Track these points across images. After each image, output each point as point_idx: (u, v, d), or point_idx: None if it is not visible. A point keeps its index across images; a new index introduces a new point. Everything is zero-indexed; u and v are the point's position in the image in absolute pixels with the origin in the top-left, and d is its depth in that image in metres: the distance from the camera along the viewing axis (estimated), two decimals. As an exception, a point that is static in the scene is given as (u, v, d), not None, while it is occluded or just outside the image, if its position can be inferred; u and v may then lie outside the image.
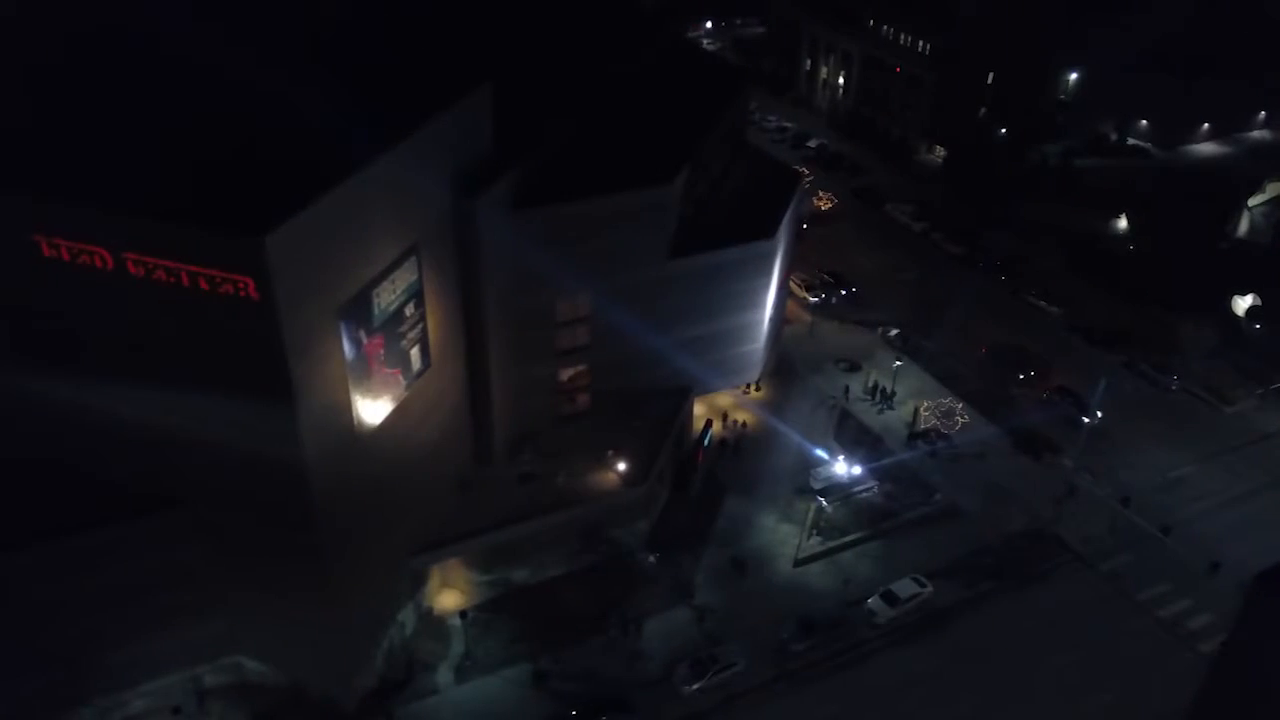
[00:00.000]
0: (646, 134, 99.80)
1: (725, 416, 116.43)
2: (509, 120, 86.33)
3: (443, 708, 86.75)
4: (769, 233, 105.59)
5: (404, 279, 76.71)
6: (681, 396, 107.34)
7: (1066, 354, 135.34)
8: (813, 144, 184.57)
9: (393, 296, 76.40)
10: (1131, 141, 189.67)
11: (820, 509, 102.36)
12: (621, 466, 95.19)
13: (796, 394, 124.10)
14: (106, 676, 79.89)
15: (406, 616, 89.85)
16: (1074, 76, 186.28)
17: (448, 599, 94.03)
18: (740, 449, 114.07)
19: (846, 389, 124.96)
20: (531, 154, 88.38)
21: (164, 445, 74.15)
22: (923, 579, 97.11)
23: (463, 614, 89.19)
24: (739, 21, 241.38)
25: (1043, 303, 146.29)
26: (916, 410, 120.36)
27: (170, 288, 65.63)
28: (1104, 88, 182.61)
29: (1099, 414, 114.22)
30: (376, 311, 74.39)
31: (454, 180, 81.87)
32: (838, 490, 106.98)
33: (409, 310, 78.06)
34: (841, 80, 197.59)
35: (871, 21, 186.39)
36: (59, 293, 68.33)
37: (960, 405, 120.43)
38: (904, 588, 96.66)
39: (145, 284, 66.05)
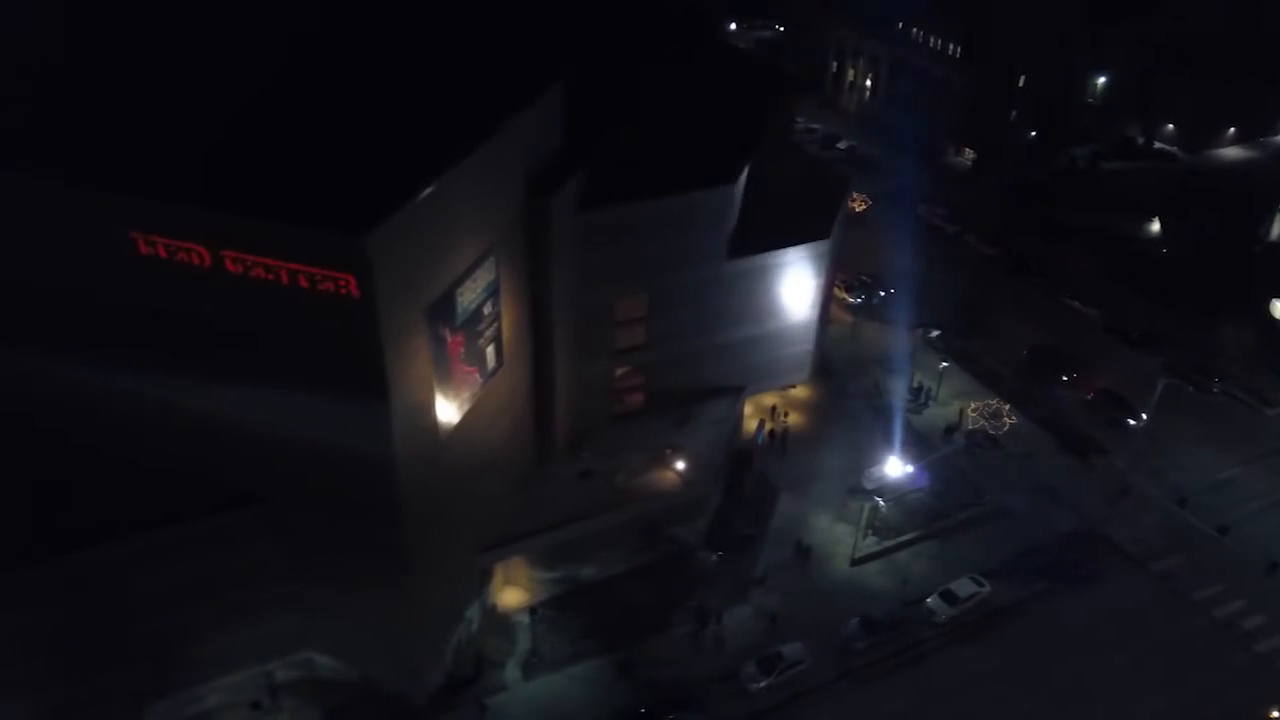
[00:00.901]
0: (698, 134, 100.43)
1: (773, 415, 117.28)
2: (570, 120, 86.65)
3: (511, 704, 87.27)
4: (824, 234, 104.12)
5: (484, 277, 77.27)
6: (733, 396, 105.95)
7: (1105, 356, 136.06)
8: (842, 145, 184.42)
9: (474, 295, 76.80)
10: (1157, 145, 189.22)
11: (874, 508, 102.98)
12: (680, 465, 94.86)
13: (840, 394, 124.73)
14: (183, 671, 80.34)
15: (473, 613, 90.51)
16: (1101, 80, 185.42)
17: (510, 596, 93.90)
18: (786, 449, 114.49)
19: (881, 388, 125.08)
20: (597, 154, 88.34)
21: (248, 442, 74.90)
22: (980, 578, 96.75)
23: (533, 611, 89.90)
24: (759, 23, 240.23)
25: (1078, 305, 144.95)
26: (963, 411, 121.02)
27: (268, 285, 66.08)
28: (1131, 91, 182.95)
29: (1143, 416, 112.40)
30: (459, 310, 74.98)
31: (528, 179, 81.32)
32: (891, 490, 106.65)
33: (486, 309, 78.71)
34: (869, 82, 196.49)
35: (900, 24, 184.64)
36: (152, 289, 69.36)
37: (1007, 406, 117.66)
38: (963, 587, 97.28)
39: (242, 281, 66.55)
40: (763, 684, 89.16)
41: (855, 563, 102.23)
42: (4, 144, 69.62)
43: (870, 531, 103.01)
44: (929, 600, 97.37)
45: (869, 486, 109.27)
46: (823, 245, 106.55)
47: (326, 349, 68.13)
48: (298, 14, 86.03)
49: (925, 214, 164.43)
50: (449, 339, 74.21)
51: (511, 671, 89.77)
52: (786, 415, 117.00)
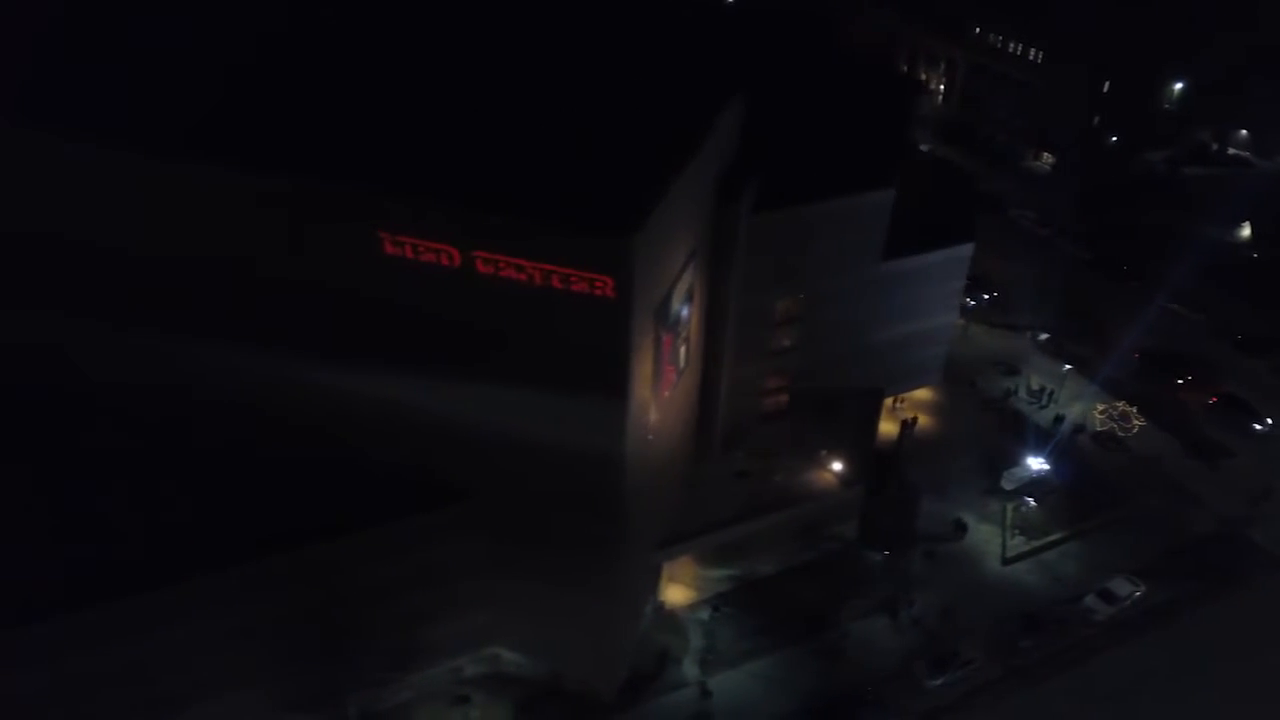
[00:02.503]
0: (845, 138, 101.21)
1: (904, 418, 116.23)
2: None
3: (693, 700, 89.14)
4: (968, 236, 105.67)
5: (686, 280, 79.00)
6: (874, 397, 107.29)
7: (1213, 360, 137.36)
8: (923, 149, 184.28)
9: (680, 297, 77.78)
10: (1231, 151, 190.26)
11: (1021, 508, 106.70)
12: (837, 466, 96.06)
13: (959, 396, 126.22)
14: (387, 664, 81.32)
15: (646, 610, 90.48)
16: (1179, 85, 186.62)
17: (675, 593, 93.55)
18: (916, 450, 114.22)
19: (1011, 390, 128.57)
20: (768, 158, 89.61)
21: (468, 438, 76.15)
22: (1135, 578, 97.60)
23: (714, 608, 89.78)
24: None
25: (1179, 308, 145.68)
26: (1090, 413, 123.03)
27: (517, 286, 67.16)
28: (1207, 97, 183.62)
29: (1269, 421, 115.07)
30: (672, 311, 75.79)
31: (716, 185, 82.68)
32: (1037, 491, 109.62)
33: (685, 311, 79.00)
34: (943, 87, 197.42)
35: (978, 29, 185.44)
36: (391, 289, 70.64)
37: (1134, 409, 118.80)
38: (1120, 586, 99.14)
39: (491, 282, 67.65)
40: (939, 681, 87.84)
41: (1007, 562, 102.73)
42: (248, 144, 70.34)
43: (1017, 531, 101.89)
44: (1087, 599, 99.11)
45: (1008, 487, 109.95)
46: (967, 247, 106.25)
47: (571, 348, 69.43)
48: (501, 25, 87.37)
49: (1016, 218, 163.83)
50: (663, 339, 73.56)
51: (689, 668, 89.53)
52: (915, 417, 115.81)
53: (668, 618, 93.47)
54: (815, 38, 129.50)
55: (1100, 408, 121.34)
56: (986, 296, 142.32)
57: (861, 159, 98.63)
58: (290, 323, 73.70)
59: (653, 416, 77.68)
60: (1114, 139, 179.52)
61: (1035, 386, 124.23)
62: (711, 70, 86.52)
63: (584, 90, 79.89)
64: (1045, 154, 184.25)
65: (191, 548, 71.09)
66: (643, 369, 71.17)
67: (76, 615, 67.38)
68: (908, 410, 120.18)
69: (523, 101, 77.90)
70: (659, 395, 77.84)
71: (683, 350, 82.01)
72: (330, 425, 76.48)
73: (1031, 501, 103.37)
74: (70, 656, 67.82)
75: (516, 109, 77.17)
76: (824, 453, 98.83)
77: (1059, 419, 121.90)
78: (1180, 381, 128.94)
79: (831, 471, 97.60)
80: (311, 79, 79.03)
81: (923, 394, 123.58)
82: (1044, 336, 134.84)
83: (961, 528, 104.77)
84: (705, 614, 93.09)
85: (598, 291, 65.53)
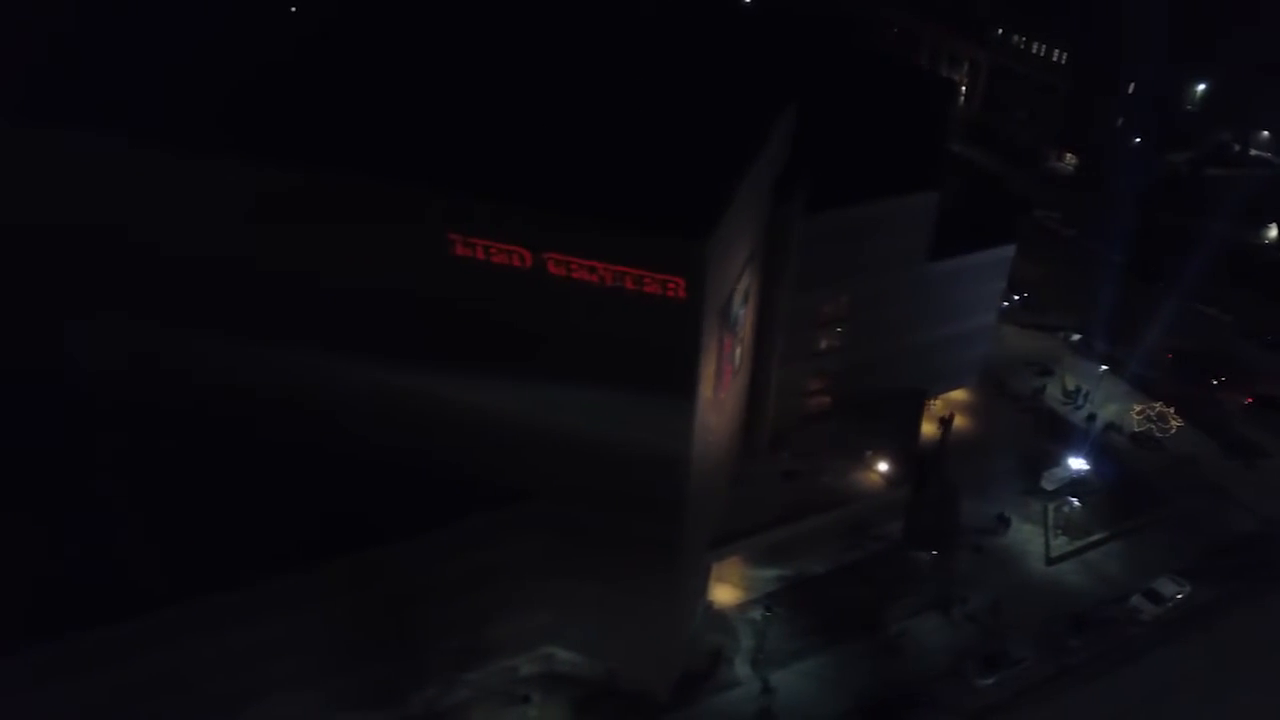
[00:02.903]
0: (888, 141, 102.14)
1: (942, 416, 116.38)
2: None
3: (747, 699, 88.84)
4: (1010, 237, 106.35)
5: (745, 282, 78.93)
6: (916, 397, 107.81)
7: (1243, 360, 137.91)
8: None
9: (740, 299, 77.79)
10: (1253, 152, 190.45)
11: (1063, 508, 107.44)
12: (883, 466, 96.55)
13: (994, 396, 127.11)
14: (446, 662, 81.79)
15: (697, 610, 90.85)
16: (1201, 87, 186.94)
17: (722, 593, 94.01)
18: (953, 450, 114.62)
19: (1039, 389, 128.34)
20: (815, 160, 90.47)
21: (531, 438, 76.45)
22: (1180, 578, 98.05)
23: (767, 608, 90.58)
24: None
25: (1208, 309, 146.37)
26: (1127, 414, 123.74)
27: (587, 287, 67.83)
28: (1229, 98, 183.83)
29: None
30: (733, 312, 75.85)
31: (771, 187, 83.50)
32: (1073, 491, 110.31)
33: (742, 313, 79.29)
34: (964, 88, 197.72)
35: (1001, 30, 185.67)
36: (459, 290, 71.48)
37: (1171, 409, 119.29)
38: (1165, 586, 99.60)
39: (561, 283, 68.25)
40: (990, 681, 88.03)
41: (1051, 562, 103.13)
42: (322, 145, 71.35)
43: (1059, 531, 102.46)
44: (1133, 600, 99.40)
45: (1048, 487, 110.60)
46: (1009, 248, 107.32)
47: (639, 349, 69.97)
48: (559, 33, 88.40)
49: (1042, 219, 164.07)
50: (724, 340, 74.18)
51: (741, 667, 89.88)
52: (951, 414, 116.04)
53: (716, 617, 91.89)
54: (846, 40, 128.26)
55: (1138, 408, 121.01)
56: (1016, 297, 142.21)
57: (905, 161, 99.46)
58: (356, 325, 74.77)
59: (711, 417, 77.07)
60: (1137, 140, 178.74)
61: (1070, 387, 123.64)
62: (760, 74, 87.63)
63: (642, 95, 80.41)
64: (1068, 155, 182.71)
65: (256, 550, 71.89)
66: (708, 370, 71.78)
67: (145, 618, 68.29)
68: (943, 410, 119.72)
69: (583, 105, 78.52)
70: (717, 396, 78.26)
71: (738, 351, 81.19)
72: (393, 426, 77.22)
73: (1076, 502, 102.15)
74: (141, 658, 68.90)
75: (577, 113, 77.72)
76: (870, 453, 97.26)
77: (1095, 419, 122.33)
78: (1214, 382, 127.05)
79: (877, 472, 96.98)
80: (384, 83, 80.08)
81: (957, 394, 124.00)
82: (1076, 337, 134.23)
83: (1005, 522, 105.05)
84: (756, 614, 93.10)
85: (670, 293, 66.23)
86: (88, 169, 71.69)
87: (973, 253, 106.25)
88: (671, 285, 65.46)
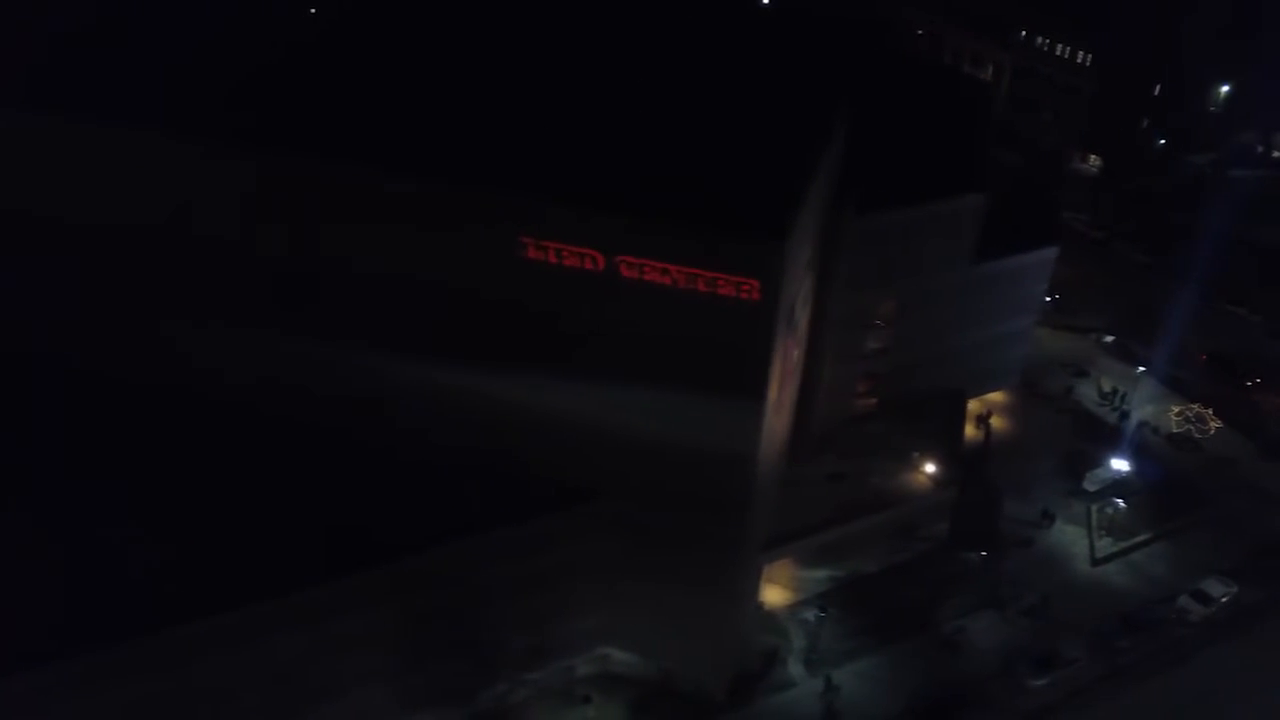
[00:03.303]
0: (929, 144, 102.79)
1: (979, 419, 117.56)
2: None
3: (803, 699, 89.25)
4: (1053, 239, 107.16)
5: (804, 285, 78.49)
6: (959, 398, 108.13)
7: (1271, 360, 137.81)
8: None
9: (801, 301, 77.25)
10: (1276, 154, 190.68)
11: (1106, 509, 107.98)
12: (930, 467, 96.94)
13: (1029, 397, 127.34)
14: (508, 662, 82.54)
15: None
16: (1224, 89, 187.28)
17: (771, 594, 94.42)
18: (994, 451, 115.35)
19: (1070, 389, 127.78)
20: (864, 163, 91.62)
21: (596, 440, 76.87)
22: (1227, 579, 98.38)
23: (820, 608, 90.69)
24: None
25: (1238, 309, 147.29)
26: (1164, 415, 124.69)
27: (661, 289, 68.49)
28: (1252, 100, 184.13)
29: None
30: (795, 314, 75.61)
31: (828, 190, 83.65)
32: (1116, 492, 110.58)
33: (802, 315, 79.49)
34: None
35: (1024, 32, 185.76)
36: (529, 292, 71.98)
37: (1209, 410, 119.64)
38: (1213, 587, 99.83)
39: (633, 285, 68.74)
40: (1042, 681, 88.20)
41: (1096, 563, 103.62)
42: (395, 148, 72.06)
43: (1104, 532, 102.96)
44: (1181, 600, 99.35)
45: (1090, 489, 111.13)
46: (1052, 250, 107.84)
47: (710, 350, 70.52)
48: (613, 37, 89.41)
49: (1069, 221, 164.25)
50: (787, 342, 74.62)
51: (794, 667, 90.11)
52: (990, 415, 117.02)
53: (766, 618, 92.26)
54: (881, 42, 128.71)
55: (1176, 409, 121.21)
56: (1047, 299, 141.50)
57: (949, 163, 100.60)
58: (424, 326, 75.49)
59: (772, 419, 78.01)
60: (1161, 142, 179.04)
61: (1106, 389, 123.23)
62: (810, 75, 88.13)
63: (699, 96, 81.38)
64: (1092, 156, 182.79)
65: (332, 549, 72.91)
66: (775, 372, 71.13)
67: (219, 618, 68.90)
68: (980, 411, 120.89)
69: (643, 108, 79.26)
70: (779, 398, 78.90)
71: (795, 354, 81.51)
72: (462, 427, 77.78)
73: (1121, 503, 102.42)
74: (213, 657, 69.49)
75: (640, 116, 78.34)
76: (916, 454, 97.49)
77: (1132, 420, 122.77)
78: (1249, 383, 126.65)
79: (924, 473, 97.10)
80: (451, 87, 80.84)
81: (992, 395, 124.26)
82: (1108, 339, 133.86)
83: (1050, 517, 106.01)
84: (808, 614, 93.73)
85: (744, 295, 66.70)
86: (174, 174, 72.65)
87: (1016, 255, 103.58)
88: (746, 287, 66.06)
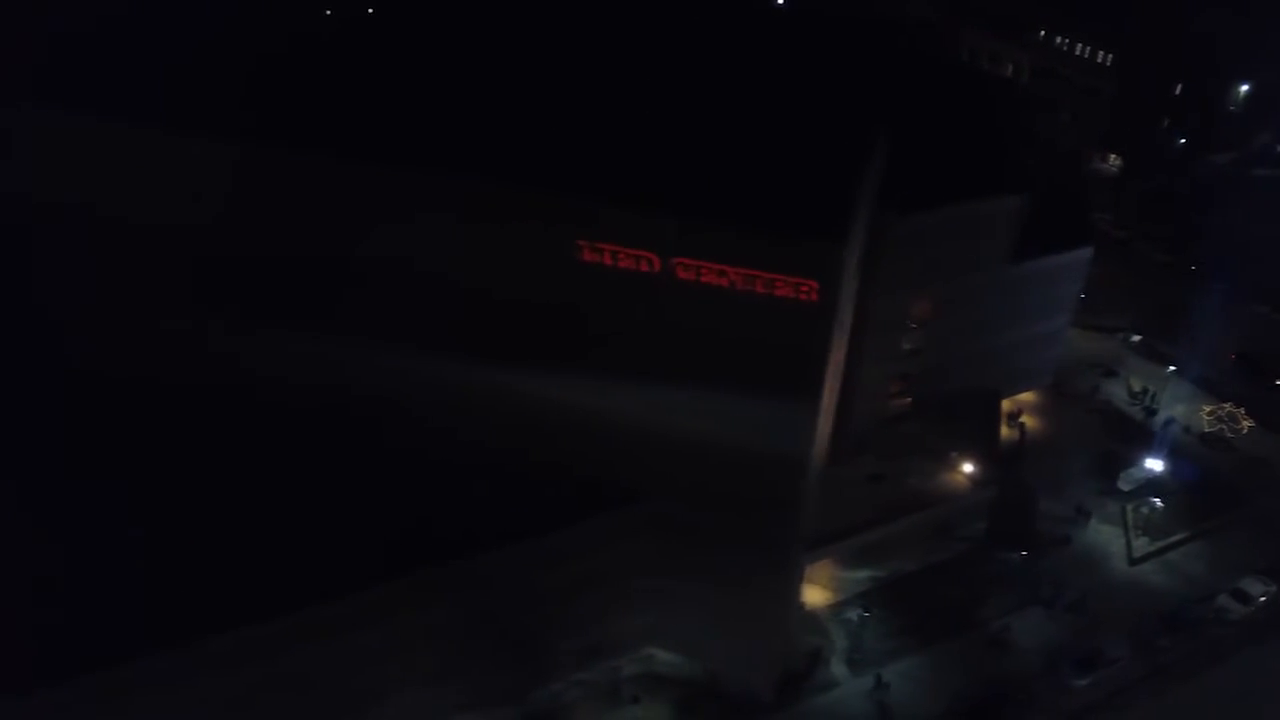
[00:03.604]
0: (959, 142, 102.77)
1: (1012, 418, 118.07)
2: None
3: (847, 699, 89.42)
4: (1087, 239, 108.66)
5: (849, 286, 78.19)
6: (993, 398, 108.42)
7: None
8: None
9: (847, 302, 77.29)
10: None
11: (1141, 508, 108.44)
12: (969, 467, 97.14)
13: (1058, 396, 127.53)
14: (557, 665, 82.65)
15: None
16: (1244, 89, 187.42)
17: (811, 594, 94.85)
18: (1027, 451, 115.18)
19: (1096, 388, 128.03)
20: (903, 164, 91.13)
21: (646, 441, 77.20)
22: (1266, 578, 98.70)
23: (864, 609, 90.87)
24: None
25: (1260, 308, 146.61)
26: (1196, 415, 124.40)
27: (718, 291, 68.90)
28: (1272, 99, 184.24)
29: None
30: (840, 315, 75.36)
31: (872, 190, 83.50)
32: (1153, 491, 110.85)
33: (846, 316, 79.56)
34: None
35: (1043, 33, 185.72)
36: (585, 295, 72.22)
37: (1241, 410, 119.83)
38: (1252, 586, 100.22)
39: (690, 287, 69.01)
40: (1086, 681, 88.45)
41: (1134, 562, 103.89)
42: (451, 149, 72.06)
43: (1140, 532, 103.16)
44: (1220, 599, 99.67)
45: (1125, 488, 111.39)
46: (1087, 250, 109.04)
47: (766, 352, 70.81)
48: (659, 42, 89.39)
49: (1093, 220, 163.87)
50: (837, 343, 74.74)
51: (837, 667, 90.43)
52: (1021, 415, 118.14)
53: (808, 618, 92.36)
54: (911, 43, 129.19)
55: (1208, 409, 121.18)
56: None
57: (986, 164, 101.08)
58: (476, 328, 75.69)
59: (820, 420, 77.65)
60: (1182, 141, 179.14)
61: (1136, 388, 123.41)
62: (847, 77, 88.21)
63: (740, 99, 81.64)
64: (1112, 156, 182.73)
65: (386, 552, 73.45)
66: (826, 371, 70.85)
67: (279, 621, 69.73)
68: (1010, 410, 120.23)
69: (689, 111, 79.24)
70: (827, 399, 78.52)
71: (840, 355, 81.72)
72: (514, 429, 77.88)
73: (1158, 502, 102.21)
74: (276, 658, 70.18)
75: (685, 118, 78.53)
76: (954, 454, 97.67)
77: (1160, 418, 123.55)
78: (1278, 383, 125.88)
79: (963, 473, 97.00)
80: (510, 91, 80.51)
81: (1022, 395, 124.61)
82: (1135, 338, 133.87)
83: (1085, 514, 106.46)
84: (852, 614, 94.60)
85: (802, 296, 66.92)
86: (225, 176, 73.39)
87: (1051, 255, 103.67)
88: (805, 288, 66.49)
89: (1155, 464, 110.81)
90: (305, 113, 74.41)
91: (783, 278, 65.46)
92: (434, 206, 70.22)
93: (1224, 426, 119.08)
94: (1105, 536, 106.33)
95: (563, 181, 69.29)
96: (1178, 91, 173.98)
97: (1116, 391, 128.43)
